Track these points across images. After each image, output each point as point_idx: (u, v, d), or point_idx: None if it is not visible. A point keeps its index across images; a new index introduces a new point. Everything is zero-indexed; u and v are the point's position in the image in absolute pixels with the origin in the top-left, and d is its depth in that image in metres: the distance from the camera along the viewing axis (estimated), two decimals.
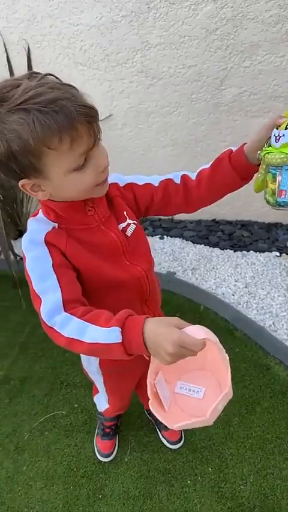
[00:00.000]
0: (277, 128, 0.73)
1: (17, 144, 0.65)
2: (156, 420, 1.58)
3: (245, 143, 0.85)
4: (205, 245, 2.53)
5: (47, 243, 0.80)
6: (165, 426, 1.54)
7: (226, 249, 2.47)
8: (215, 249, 2.49)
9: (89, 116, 0.68)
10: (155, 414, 0.71)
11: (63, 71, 2.15)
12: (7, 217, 2.52)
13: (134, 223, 0.93)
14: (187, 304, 2.17)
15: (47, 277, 0.76)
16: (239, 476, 1.46)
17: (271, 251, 2.36)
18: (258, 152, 0.79)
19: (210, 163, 0.91)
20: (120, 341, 0.67)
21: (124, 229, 0.90)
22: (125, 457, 1.57)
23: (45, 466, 1.57)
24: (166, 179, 0.95)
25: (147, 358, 0.73)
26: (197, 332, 0.64)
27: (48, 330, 0.75)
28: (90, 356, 1.13)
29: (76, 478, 1.52)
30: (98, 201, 0.85)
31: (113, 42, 1.99)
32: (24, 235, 0.83)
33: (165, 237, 2.64)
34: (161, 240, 2.62)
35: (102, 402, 1.37)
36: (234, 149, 0.87)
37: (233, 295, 2.12)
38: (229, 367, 0.68)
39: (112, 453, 1.56)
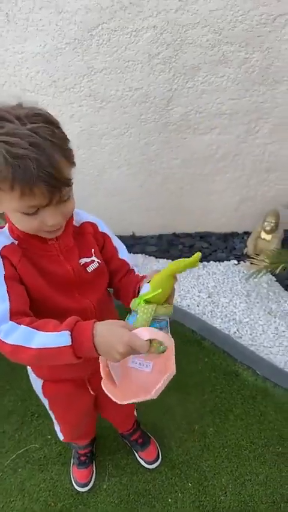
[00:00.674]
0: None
1: None
2: (132, 441, 1.56)
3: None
4: (167, 259, 2.58)
5: (2, 255, 0.81)
6: (142, 447, 1.54)
7: None
8: None
9: (50, 183, 0.69)
10: (107, 392, 0.75)
11: (11, 99, 2.14)
12: None
13: (98, 262, 0.95)
14: None
15: None
16: (218, 487, 1.48)
17: (229, 260, 2.44)
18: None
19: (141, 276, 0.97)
20: (70, 343, 0.70)
21: (86, 265, 0.92)
22: (104, 483, 1.54)
23: (20, 505, 1.50)
24: (128, 264, 1.01)
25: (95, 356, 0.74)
26: (143, 333, 0.71)
27: None
28: (35, 379, 1.13)
29: None
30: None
31: (59, 69, 2.02)
32: None
33: None
34: None
35: (57, 430, 1.35)
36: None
37: (198, 305, 2.17)
38: (174, 350, 0.77)
39: (90, 481, 1.52)
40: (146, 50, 1.91)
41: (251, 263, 2.18)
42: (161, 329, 0.79)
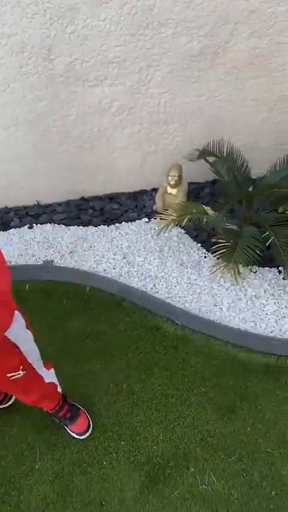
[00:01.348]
0: None
1: None
2: (60, 417, 1.50)
3: None
4: (78, 225, 2.46)
5: None
6: (71, 421, 1.50)
7: (99, 225, 2.44)
8: (89, 227, 2.44)
9: None
10: None
11: None
12: None
13: None
14: (72, 289, 2.10)
15: None
16: (150, 439, 1.52)
17: (141, 218, 2.41)
18: None
19: None
20: None
21: None
22: (35, 463, 1.48)
23: None
24: None
25: None
26: None
27: None
28: None
29: None
30: None
31: None
32: None
33: (34, 225, 2.47)
34: (31, 230, 2.44)
35: None
36: None
37: (114, 268, 2.13)
38: None
39: None
40: None
41: (161, 219, 2.17)
42: None
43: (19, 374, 1.11)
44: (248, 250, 1.80)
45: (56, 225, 2.47)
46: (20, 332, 1.04)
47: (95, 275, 2.11)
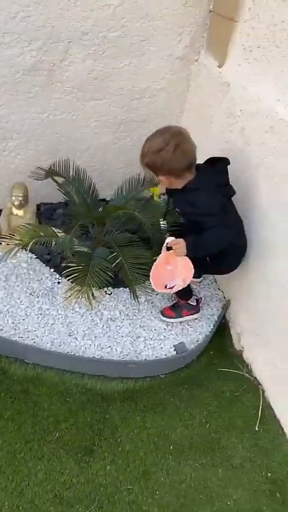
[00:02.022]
0: None
1: None
2: None
3: None
4: None
5: None
6: None
7: None
8: None
9: None
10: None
11: None
12: None
13: None
14: None
15: None
16: None
17: None
18: None
19: None
20: None
21: None
22: None
23: None
24: None
25: None
26: None
27: None
28: None
29: None
30: None
31: None
32: None
33: None
34: None
35: None
36: None
37: None
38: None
39: None
40: None
41: (6, 243, 1.93)
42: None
43: None
44: (100, 272, 1.72)
45: None
46: None
47: None
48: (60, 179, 2.03)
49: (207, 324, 1.85)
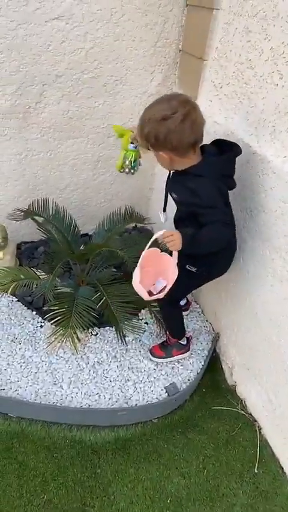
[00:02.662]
0: None
1: None
2: None
3: None
4: None
5: None
6: None
7: None
8: None
9: None
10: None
11: None
12: None
13: None
14: None
15: None
16: None
17: None
18: None
19: None
20: None
21: None
22: None
23: None
24: None
25: None
26: None
27: None
28: None
29: None
30: None
31: None
32: None
33: None
34: None
35: None
36: None
37: None
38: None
39: None
40: None
41: None
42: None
43: None
44: (83, 313, 1.67)
45: None
46: None
47: None
48: (40, 219, 2.00)
49: (197, 360, 1.79)
